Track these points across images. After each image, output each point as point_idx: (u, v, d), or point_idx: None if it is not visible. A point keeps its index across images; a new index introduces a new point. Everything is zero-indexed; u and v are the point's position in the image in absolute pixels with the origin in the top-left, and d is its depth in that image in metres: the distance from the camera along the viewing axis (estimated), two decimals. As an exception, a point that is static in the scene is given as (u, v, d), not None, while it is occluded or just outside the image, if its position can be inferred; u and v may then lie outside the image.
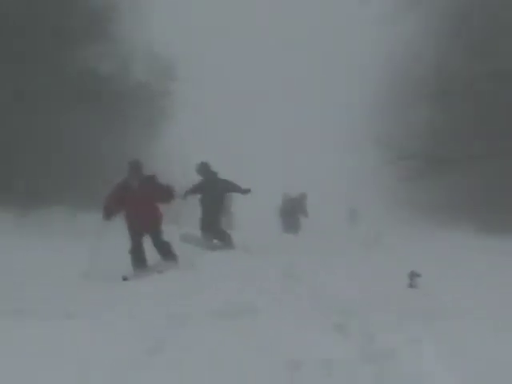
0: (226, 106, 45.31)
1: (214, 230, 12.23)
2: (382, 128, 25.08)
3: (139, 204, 9.50)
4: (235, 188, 12.47)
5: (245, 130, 45.95)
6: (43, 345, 4.06)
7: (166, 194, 9.81)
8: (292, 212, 20.11)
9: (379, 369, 3.68)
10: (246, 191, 12.47)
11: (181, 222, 15.43)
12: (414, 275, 7.15)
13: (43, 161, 17.69)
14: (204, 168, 12.26)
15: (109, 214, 9.68)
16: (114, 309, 5.61)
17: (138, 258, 9.62)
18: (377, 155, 21.91)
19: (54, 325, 4.70)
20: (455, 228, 19.22)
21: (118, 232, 9.46)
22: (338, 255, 10.57)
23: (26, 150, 17.24)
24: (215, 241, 12.21)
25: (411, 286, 7.05)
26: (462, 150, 17.07)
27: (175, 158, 28.60)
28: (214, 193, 12.21)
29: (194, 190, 12.40)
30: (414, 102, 22.55)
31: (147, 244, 9.66)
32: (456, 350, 3.93)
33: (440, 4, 19.91)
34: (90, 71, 20.06)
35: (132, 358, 3.86)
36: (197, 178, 12.52)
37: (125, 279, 8.54)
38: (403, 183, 21.63)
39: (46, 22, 17.78)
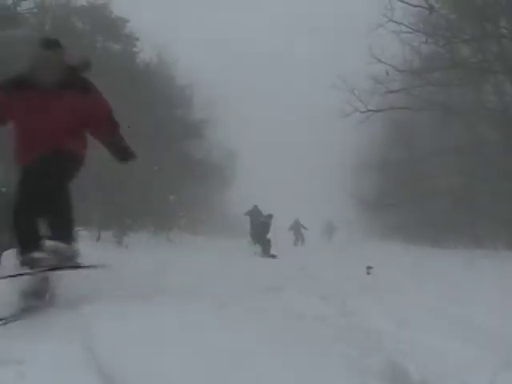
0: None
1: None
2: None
3: (46, 121, 5.47)
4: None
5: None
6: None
7: (106, 121, 6.02)
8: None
9: (350, 320, 5.76)
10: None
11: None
12: (369, 267, 10.93)
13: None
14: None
15: None
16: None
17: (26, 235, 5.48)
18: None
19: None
20: (391, 240, 30.18)
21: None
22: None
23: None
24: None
25: (368, 273, 10.73)
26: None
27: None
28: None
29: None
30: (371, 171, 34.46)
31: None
32: (394, 311, 6.36)
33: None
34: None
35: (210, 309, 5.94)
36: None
37: None
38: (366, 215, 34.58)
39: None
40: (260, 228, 21.81)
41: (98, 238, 19.35)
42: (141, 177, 24.43)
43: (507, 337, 4.99)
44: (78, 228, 18.63)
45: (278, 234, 24.72)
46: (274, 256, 19.32)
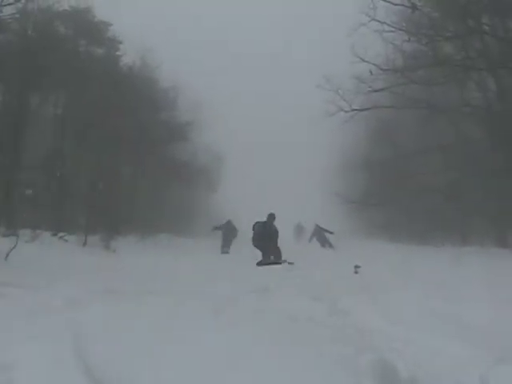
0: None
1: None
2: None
3: None
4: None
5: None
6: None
7: None
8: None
9: (340, 320, 5.86)
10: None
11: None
12: (356, 266, 11.00)
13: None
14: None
15: None
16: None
17: None
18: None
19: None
20: (378, 238, 30.58)
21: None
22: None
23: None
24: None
25: (356, 272, 10.75)
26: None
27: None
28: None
29: None
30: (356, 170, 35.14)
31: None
32: (384, 309, 6.38)
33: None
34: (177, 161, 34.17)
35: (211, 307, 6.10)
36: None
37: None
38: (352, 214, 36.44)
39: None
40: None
41: (85, 243, 19.26)
42: (125, 180, 24.50)
43: (497, 334, 5.08)
44: (63, 233, 18.78)
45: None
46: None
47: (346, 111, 22.12)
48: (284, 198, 50.27)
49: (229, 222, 26.81)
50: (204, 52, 54.28)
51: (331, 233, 28.21)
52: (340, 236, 29.41)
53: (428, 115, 23.36)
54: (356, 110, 22.28)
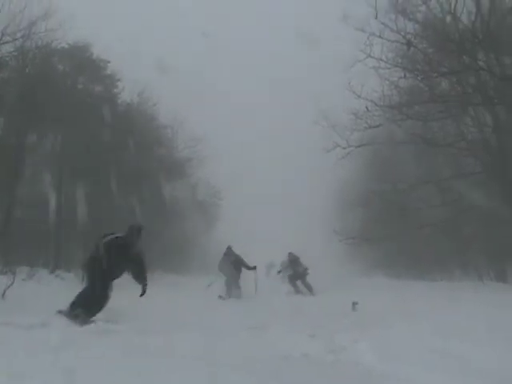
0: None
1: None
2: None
3: None
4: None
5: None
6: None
7: None
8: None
9: (335, 357, 5.83)
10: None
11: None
12: (354, 303, 10.80)
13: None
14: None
15: None
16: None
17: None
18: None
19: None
20: (376, 274, 31.69)
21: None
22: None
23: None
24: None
25: (354, 309, 10.58)
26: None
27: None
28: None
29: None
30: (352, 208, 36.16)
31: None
32: (381, 346, 6.31)
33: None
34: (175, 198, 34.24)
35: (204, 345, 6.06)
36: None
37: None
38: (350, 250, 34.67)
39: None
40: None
41: (83, 279, 19.09)
42: (123, 216, 24.43)
43: (498, 371, 4.98)
44: (59, 270, 18.65)
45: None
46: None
47: (343, 147, 22.16)
48: (281, 235, 50.33)
49: (229, 252, 20.38)
50: (203, 90, 54.72)
51: (305, 269, 21.12)
52: (338, 272, 29.26)
53: (425, 150, 23.40)
54: (353, 146, 22.32)
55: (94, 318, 8.76)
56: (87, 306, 8.91)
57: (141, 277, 9.96)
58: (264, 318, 9.29)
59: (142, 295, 9.77)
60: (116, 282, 9.65)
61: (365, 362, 5.51)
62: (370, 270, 35.32)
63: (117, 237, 9.81)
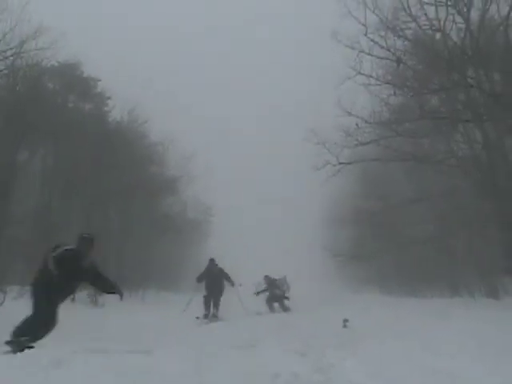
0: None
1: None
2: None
3: None
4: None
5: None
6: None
7: None
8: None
9: (325, 376, 5.73)
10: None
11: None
12: (345, 320, 10.80)
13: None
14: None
15: None
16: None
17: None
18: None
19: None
20: (367, 290, 32.03)
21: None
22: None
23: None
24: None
25: (344, 326, 10.57)
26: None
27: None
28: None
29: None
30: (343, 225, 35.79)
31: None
32: (371, 363, 6.27)
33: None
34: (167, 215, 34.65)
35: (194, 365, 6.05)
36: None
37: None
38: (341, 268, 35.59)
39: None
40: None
41: (73, 299, 18.98)
42: (114, 234, 24.32)
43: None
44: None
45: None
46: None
47: (334, 165, 22.15)
48: (272, 252, 50.41)
49: (211, 264, 19.40)
50: (194, 108, 55.09)
51: (286, 297, 21.19)
52: (329, 289, 29.29)
53: (415, 167, 23.47)
54: (343, 163, 22.33)
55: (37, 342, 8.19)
56: (32, 332, 8.33)
57: (108, 286, 9.25)
58: (253, 335, 9.22)
59: (121, 298, 9.14)
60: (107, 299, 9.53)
61: (354, 380, 5.45)
62: (362, 286, 35.39)
63: (66, 249, 8.99)
